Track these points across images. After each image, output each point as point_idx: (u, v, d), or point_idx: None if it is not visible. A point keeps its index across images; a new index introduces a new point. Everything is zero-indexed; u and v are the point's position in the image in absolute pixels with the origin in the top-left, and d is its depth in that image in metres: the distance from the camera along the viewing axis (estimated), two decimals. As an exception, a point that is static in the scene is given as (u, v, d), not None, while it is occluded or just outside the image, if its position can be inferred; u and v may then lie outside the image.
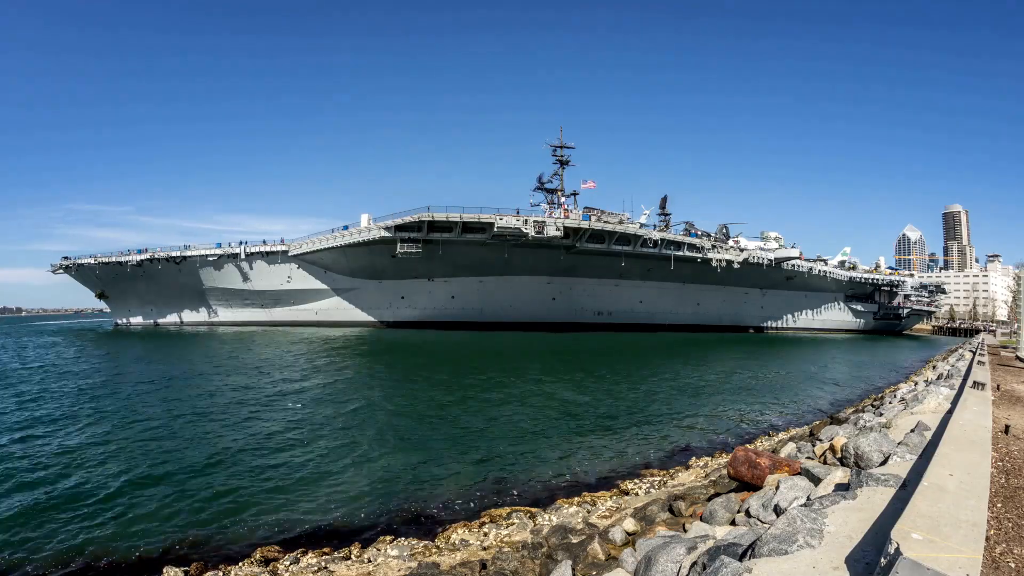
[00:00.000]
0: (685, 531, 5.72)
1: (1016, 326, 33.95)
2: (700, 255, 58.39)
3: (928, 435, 6.47)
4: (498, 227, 48.00)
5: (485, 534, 7.78)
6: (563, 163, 63.94)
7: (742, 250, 61.21)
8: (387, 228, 49.17)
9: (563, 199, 62.14)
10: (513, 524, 8.06)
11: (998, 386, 11.90)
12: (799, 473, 6.04)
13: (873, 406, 14.93)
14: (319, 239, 56.59)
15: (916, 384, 17.58)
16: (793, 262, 65.25)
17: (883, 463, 5.58)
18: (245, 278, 62.80)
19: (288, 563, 7.01)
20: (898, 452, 5.73)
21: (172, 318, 70.75)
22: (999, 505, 4.28)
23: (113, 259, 64.63)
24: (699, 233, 62.86)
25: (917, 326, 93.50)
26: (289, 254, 59.15)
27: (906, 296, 77.03)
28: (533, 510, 8.72)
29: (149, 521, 8.33)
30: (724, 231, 66.70)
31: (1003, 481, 4.92)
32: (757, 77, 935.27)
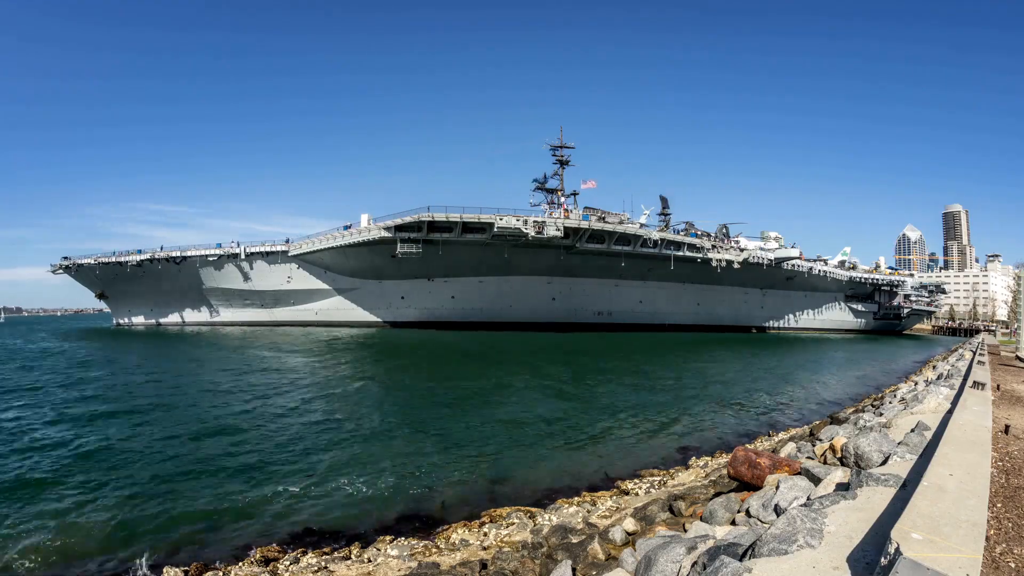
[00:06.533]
0: (685, 531, 5.72)
1: (1016, 326, 33.96)
2: (700, 255, 58.39)
3: (928, 435, 6.47)
4: (498, 227, 47.99)
5: (485, 534, 7.78)
6: (563, 163, 63.94)
7: (742, 250, 61.22)
8: (387, 228, 49.16)
9: (563, 199, 62.12)
10: (513, 524, 8.06)
11: (998, 386, 11.90)
12: (799, 473, 6.04)
13: (873, 406, 14.92)
14: (319, 239, 56.59)
15: (916, 384, 17.58)
16: (793, 262, 65.29)
17: (883, 463, 5.58)
18: (246, 278, 62.80)
19: (288, 563, 7.01)
20: (898, 452, 5.73)
21: (174, 318, 70.80)
22: (999, 505, 4.28)
23: (113, 259, 64.60)
24: (699, 233, 62.88)
25: (917, 326, 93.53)
26: (289, 254, 59.15)
27: (906, 296, 77.04)
28: (533, 510, 8.72)
29: (149, 521, 8.32)
30: (724, 231, 66.73)
31: (1003, 481, 4.92)
32: (756, 76, 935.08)
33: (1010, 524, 3.92)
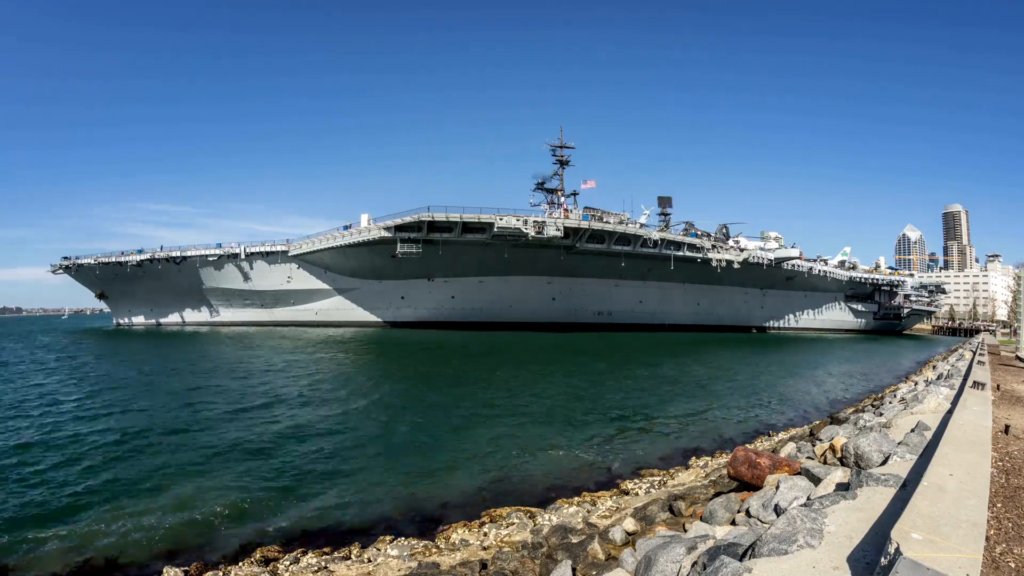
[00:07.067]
0: (685, 531, 5.72)
1: (1016, 326, 33.99)
2: (700, 255, 58.39)
3: (928, 435, 6.47)
4: (498, 227, 47.98)
5: (485, 534, 7.78)
6: (563, 163, 63.92)
7: (742, 250, 61.22)
8: (387, 228, 49.14)
9: (563, 199, 62.11)
10: (513, 524, 8.06)
11: (998, 386, 11.90)
12: (799, 473, 6.04)
13: (873, 406, 14.92)
14: (319, 239, 56.59)
15: (916, 384, 17.58)
16: (793, 262, 65.28)
17: (883, 463, 5.58)
18: (246, 278, 62.80)
19: (288, 563, 7.01)
20: (898, 452, 5.73)
21: (174, 318, 70.85)
22: (999, 505, 4.28)
23: (113, 259, 64.64)
24: (699, 233, 62.89)
25: (917, 326, 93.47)
26: (289, 254, 59.16)
27: (906, 296, 77.01)
28: (533, 510, 8.72)
29: (149, 521, 8.32)
30: (724, 231, 66.73)
31: (1003, 481, 4.92)
32: (756, 76, 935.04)
33: (1010, 524, 3.92)
